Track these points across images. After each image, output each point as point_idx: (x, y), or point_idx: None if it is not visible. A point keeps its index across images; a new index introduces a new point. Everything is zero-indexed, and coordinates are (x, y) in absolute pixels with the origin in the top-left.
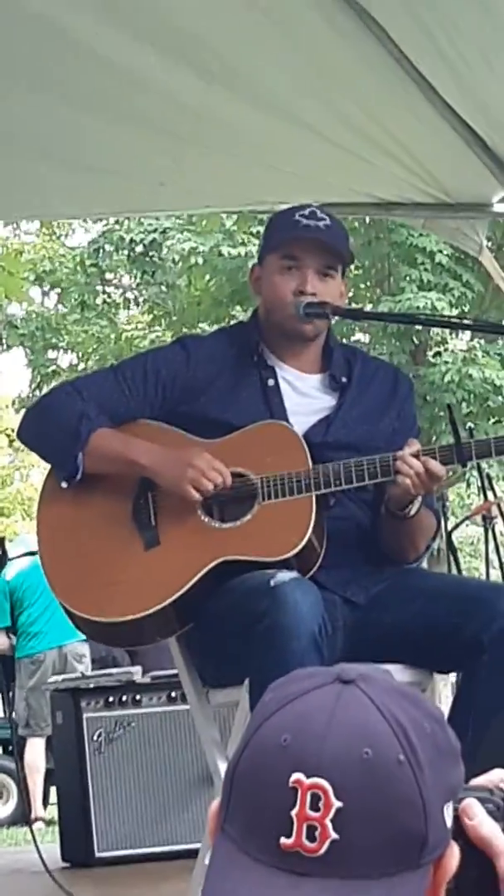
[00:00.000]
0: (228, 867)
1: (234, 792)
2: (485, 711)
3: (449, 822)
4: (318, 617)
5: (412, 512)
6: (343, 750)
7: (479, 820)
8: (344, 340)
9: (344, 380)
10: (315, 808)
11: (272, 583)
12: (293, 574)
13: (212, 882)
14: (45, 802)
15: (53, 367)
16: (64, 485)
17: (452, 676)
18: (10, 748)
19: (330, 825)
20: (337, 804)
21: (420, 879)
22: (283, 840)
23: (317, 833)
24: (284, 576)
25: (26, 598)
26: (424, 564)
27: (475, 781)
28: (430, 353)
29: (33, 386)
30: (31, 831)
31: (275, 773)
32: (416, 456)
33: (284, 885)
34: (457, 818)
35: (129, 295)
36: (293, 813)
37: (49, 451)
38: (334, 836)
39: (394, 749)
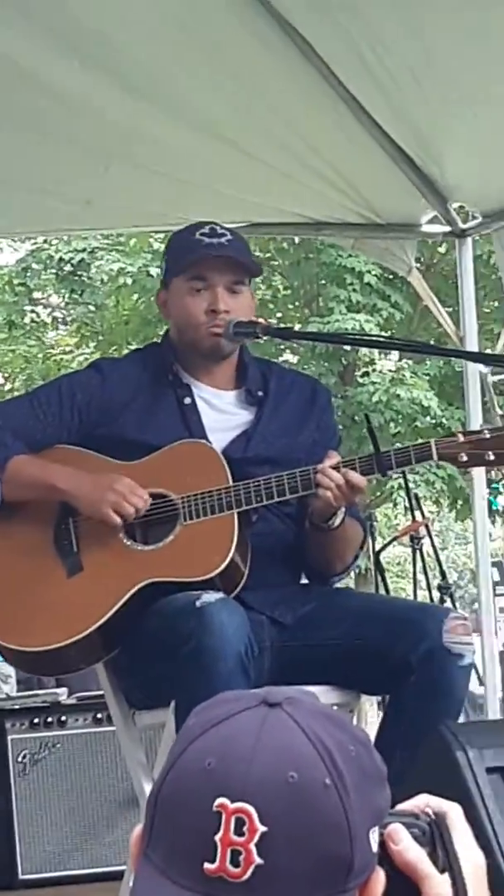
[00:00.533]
0: (151, 893)
1: (158, 816)
2: (412, 734)
3: (375, 846)
4: (244, 638)
5: (336, 524)
6: (268, 774)
7: (405, 845)
8: (272, 361)
9: (260, 394)
10: (239, 832)
11: (198, 604)
12: (219, 595)
13: None
14: None
15: None
16: None
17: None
18: None
19: (254, 850)
20: (262, 829)
21: None
22: (206, 865)
23: (241, 858)
24: (210, 597)
25: None
26: (352, 584)
27: (400, 806)
28: (358, 374)
29: None
30: None
31: (199, 798)
32: (336, 468)
33: None
34: (382, 844)
35: (58, 314)
36: (217, 837)
37: None
38: (259, 860)
39: (320, 773)
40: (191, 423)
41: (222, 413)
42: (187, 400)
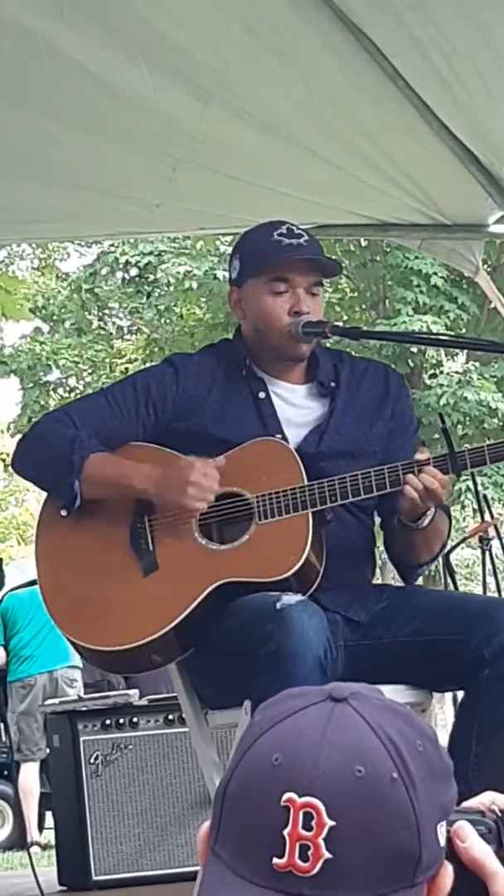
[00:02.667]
0: (219, 889)
1: (225, 812)
2: (487, 728)
3: (442, 840)
4: (324, 640)
5: (425, 523)
6: (336, 768)
7: (472, 842)
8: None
9: (332, 384)
10: (308, 827)
11: (278, 605)
12: (298, 597)
13: None
14: (41, 827)
15: (46, 398)
16: (64, 513)
17: (447, 695)
18: (6, 773)
19: (323, 844)
20: (330, 823)
21: None
22: (275, 860)
23: (310, 853)
24: (290, 599)
25: (18, 621)
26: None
27: (466, 804)
28: (425, 376)
29: (28, 413)
30: (29, 855)
31: (266, 793)
32: (410, 467)
33: None
34: (449, 840)
35: (124, 318)
36: (285, 832)
37: (45, 480)
38: (327, 855)
39: (387, 767)
40: (266, 418)
41: (296, 407)
42: (262, 394)
